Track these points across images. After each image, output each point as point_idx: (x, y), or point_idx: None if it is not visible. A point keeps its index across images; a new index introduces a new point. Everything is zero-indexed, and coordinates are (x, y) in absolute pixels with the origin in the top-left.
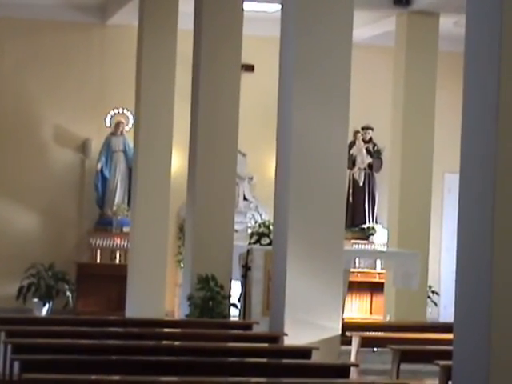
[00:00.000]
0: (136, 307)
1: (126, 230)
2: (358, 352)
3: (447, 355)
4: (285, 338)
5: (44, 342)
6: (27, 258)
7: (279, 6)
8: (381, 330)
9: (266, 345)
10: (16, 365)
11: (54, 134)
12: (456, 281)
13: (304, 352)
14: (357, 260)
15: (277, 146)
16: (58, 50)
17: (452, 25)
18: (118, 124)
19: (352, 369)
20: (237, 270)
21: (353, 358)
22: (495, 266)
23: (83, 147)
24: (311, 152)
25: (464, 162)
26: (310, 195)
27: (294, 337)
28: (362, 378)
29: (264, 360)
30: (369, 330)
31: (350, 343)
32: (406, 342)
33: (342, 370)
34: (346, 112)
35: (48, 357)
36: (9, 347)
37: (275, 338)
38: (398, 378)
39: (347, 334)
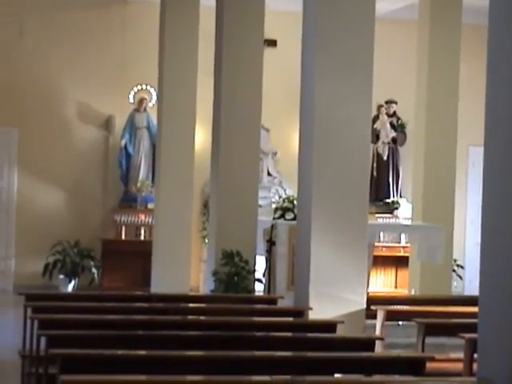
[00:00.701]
0: (161, 283)
1: (150, 206)
2: (383, 326)
3: (472, 328)
4: (310, 312)
5: (70, 318)
6: (53, 236)
7: None
8: (406, 304)
9: (290, 319)
10: (43, 340)
11: (78, 112)
12: (481, 254)
13: (329, 326)
14: (381, 234)
15: (300, 120)
16: (80, 27)
17: None
18: (141, 100)
19: (377, 342)
20: (261, 245)
21: (378, 332)
22: None
23: (107, 124)
24: (334, 126)
25: (488, 135)
26: (333, 169)
27: (319, 311)
28: (388, 352)
29: (289, 334)
30: (394, 304)
31: (374, 317)
32: (431, 316)
33: (367, 344)
34: (369, 86)
35: (74, 332)
36: (35, 323)
37: (300, 312)
38: (423, 351)
39: (372, 307)
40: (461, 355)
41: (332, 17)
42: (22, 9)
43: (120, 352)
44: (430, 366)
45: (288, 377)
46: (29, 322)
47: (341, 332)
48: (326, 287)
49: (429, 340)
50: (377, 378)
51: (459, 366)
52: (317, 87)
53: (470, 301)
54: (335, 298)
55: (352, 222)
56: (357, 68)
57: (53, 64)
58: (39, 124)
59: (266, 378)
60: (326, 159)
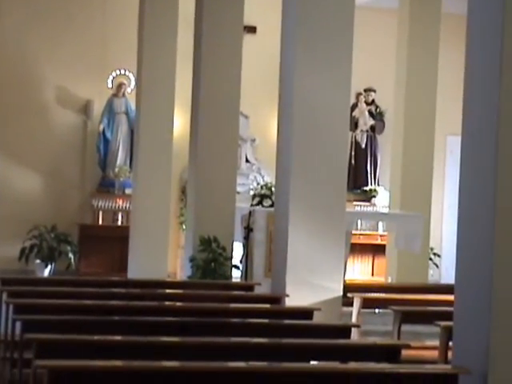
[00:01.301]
0: (138, 268)
1: (128, 191)
2: (359, 313)
3: (448, 316)
4: (286, 299)
5: (46, 303)
6: (29, 220)
7: None
8: (382, 292)
9: (267, 306)
10: (18, 325)
11: (56, 96)
12: (457, 242)
13: (306, 313)
14: (359, 222)
15: (279, 108)
16: (59, 9)
17: None
18: (119, 85)
19: (353, 329)
20: (239, 232)
21: (354, 319)
22: (497, 228)
23: (85, 109)
24: (313, 114)
25: (465, 124)
26: (312, 157)
27: (296, 298)
28: (364, 339)
29: (266, 321)
30: (370, 292)
31: (351, 304)
32: (408, 304)
33: (344, 331)
34: (348, 74)
35: (50, 317)
36: (11, 307)
37: (277, 299)
38: (399, 338)
39: (349, 295)
40: (436, 343)
41: (312, 5)
42: None
43: (96, 337)
44: (405, 353)
45: (264, 363)
46: (4, 306)
47: (317, 319)
48: (303, 274)
49: (405, 328)
50: (352, 365)
51: (434, 353)
52: (296, 74)
53: (447, 289)
54: (312, 285)
55: (330, 210)
56: (336, 55)
57: (31, 47)
58: (16, 108)
59: (242, 364)
60: (305, 147)
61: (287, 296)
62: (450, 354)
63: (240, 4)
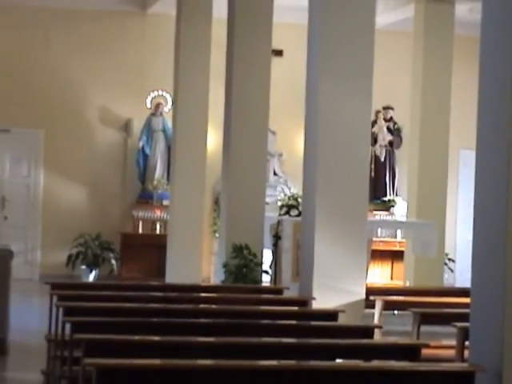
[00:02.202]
0: (175, 274)
1: (165, 202)
2: (380, 315)
3: (463, 317)
4: (313, 301)
5: (92, 306)
6: (76, 229)
7: None
8: (401, 295)
9: (295, 308)
10: (67, 326)
11: (99, 115)
12: (472, 248)
13: (331, 315)
14: (379, 230)
15: (305, 124)
16: (102, 37)
17: (467, 11)
18: (157, 105)
19: (375, 330)
20: (268, 240)
21: (376, 320)
22: (509, 234)
23: (126, 127)
24: (337, 130)
25: (479, 138)
26: (336, 170)
27: (322, 301)
28: (385, 339)
29: (294, 322)
30: (390, 295)
31: (372, 307)
32: (425, 306)
33: (367, 332)
34: (369, 93)
35: (96, 319)
36: (60, 310)
37: (304, 301)
38: (418, 338)
39: (371, 298)
40: (453, 342)
41: (335, 28)
42: (49, 19)
43: (136, 338)
44: (424, 352)
45: (293, 361)
46: (54, 309)
47: (342, 320)
48: (329, 279)
49: (423, 328)
50: (375, 363)
51: (451, 352)
52: (321, 94)
53: (461, 292)
54: (337, 288)
55: (353, 219)
56: (358, 76)
57: (77, 71)
58: (64, 126)
59: (273, 362)
60: (329, 160)
61: (314, 299)
62: (466, 352)
63: (268, 29)
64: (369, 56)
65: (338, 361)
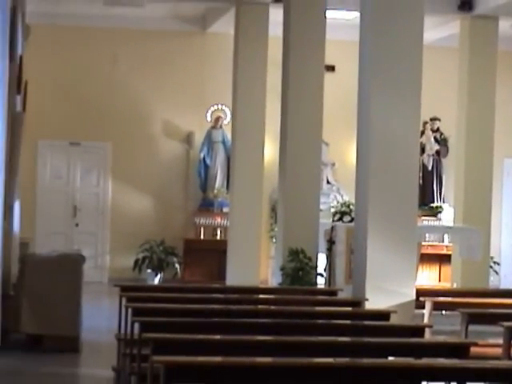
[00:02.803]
0: (235, 276)
1: (225, 210)
2: (430, 315)
3: (509, 317)
4: (366, 302)
5: (159, 307)
6: (142, 235)
7: (357, 14)
8: (449, 296)
9: (349, 309)
10: (136, 326)
11: (163, 128)
12: None
13: (383, 315)
14: (427, 235)
15: (357, 135)
16: (166, 55)
17: (509, 27)
18: (217, 118)
19: (426, 329)
20: (322, 244)
21: (426, 320)
22: None
23: (188, 139)
24: (388, 140)
25: None
26: (387, 178)
27: (374, 302)
28: (435, 338)
29: (348, 322)
30: (439, 296)
31: (422, 307)
32: (472, 306)
33: (418, 331)
34: (417, 106)
35: (162, 319)
36: (129, 310)
37: (357, 302)
38: (466, 337)
39: (421, 299)
40: (499, 341)
41: (385, 45)
42: (116, 40)
43: (199, 336)
44: (472, 350)
45: (347, 359)
46: (124, 309)
47: (393, 320)
48: (380, 281)
49: (470, 327)
50: (425, 360)
51: (498, 350)
52: (372, 107)
53: (506, 293)
54: (388, 290)
55: (403, 224)
56: (407, 89)
57: (142, 87)
58: (130, 139)
59: (329, 360)
60: (381, 169)
61: (367, 300)
62: None
63: (321, 46)
64: (417, 70)
65: (390, 358)
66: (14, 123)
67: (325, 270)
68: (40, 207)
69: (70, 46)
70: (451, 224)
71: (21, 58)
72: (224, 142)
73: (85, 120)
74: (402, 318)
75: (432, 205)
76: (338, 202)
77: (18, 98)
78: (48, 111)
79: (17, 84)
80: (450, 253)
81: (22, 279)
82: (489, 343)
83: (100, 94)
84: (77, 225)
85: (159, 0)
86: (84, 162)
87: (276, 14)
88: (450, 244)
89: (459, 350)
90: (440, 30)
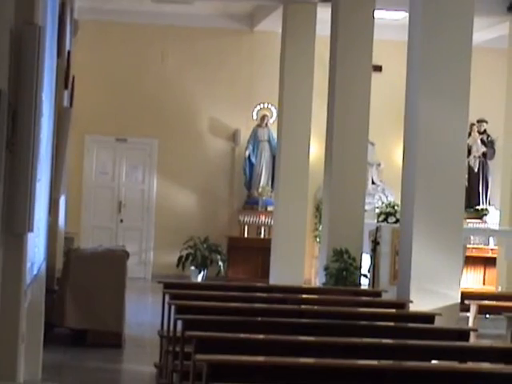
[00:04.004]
0: (278, 275)
1: (270, 208)
2: (475, 318)
3: None
4: (410, 304)
5: (202, 305)
6: (186, 232)
7: (406, 14)
8: (495, 299)
9: (393, 310)
10: (179, 323)
11: (209, 125)
12: None
13: (428, 317)
14: (472, 237)
15: (404, 136)
16: (213, 53)
17: None
18: (263, 117)
19: (471, 333)
20: (367, 245)
21: (471, 324)
22: None
23: (233, 137)
24: (435, 142)
25: None
26: (433, 180)
27: (419, 304)
28: (481, 342)
29: (392, 324)
30: (484, 299)
31: (466, 310)
32: None
33: (463, 334)
34: (465, 107)
35: (205, 317)
36: (172, 308)
37: (402, 304)
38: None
39: (466, 302)
40: None
41: (434, 46)
42: (164, 38)
43: (242, 335)
44: None
45: (391, 361)
46: (167, 306)
47: (438, 323)
48: (426, 283)
49: None
50: (470, 365)
51: None
52: (420, 108)
53: None
54: (433, 292)
55: (449, 226)
56: (455, 91)
57: (189, 84)
58: (176, 136)
59: (373, 362)
60: (427, 170)
61: (411, 302)
62: None
63: (369, 47)
64: (466, 72)
65: (435, 362)
66: (62, 118)
67: (369, 270)
68: (86, 202)
69: (118, 42)
70: (497, 227)
71: (69, 53)
72: (269, 141)
73: (132, 116)
74: (447, 321)
75: (478, 207)
76: (382, 203)
77: (66, 93)
78: (95, 107)
79: (64, 79)
80: (495, 256)
81: (66, 274)
82: None
83: (147, 91)
84: (121, 220)
85: None
86: (130, 158)
87: (324, 13)
88: (496, 247)
89: (505, 355)
90: (489, 32)
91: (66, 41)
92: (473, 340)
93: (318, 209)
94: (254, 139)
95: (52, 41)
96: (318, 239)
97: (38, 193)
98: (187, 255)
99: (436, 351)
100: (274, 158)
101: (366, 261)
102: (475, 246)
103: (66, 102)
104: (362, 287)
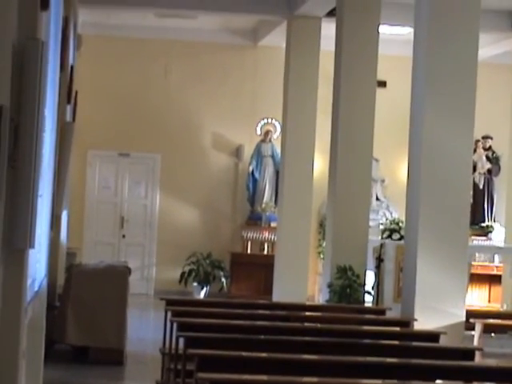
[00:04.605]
0: (281, 292)
1: (273, 224)
2: (480, 337)
3: None
4: (415, 322)
5: (204, 322)
6: (189, 248)
7: (411, 29)
8: (500, 318)
9: (397, 328)
10: (181, 341)
11: (212, 141)
12: None
13: (432, 336)
14: (477, 254)
15: (409, 152)
16: (217, 68)
17: None
18: (267, 132)
19: (476, 352)
20: (371, 262)
21: (476, 343)
22: None
23: (237, 152)
24: (440, 158)
25: None
26: (438, 196)
27: (424, 322)
28: (486, 361)
29: (396, 342)
30: (489, 318)
31: (471, 329)
32: None
33: (468, 353)
34: (471, 124)
35: (208, 335)
36: (175, 325)
37: (406, 322)
38: None
39: (471, 320)
40: None
41: (439, 61)
42: (167, 53)
43: (245, 354)
44: None
45: (395, 381)
46: (169, 323)
47: (443, 342)
48: (430, 300)
49: None
50: None
51: None
52: (425, 123)
53: None
54: (438, 310)
55: (454, 243)
56: (461, 107)
57: (192, 99)
58: (179, 151)
59: (377, 381)
60: (432, 187)
61: (415, 320)
62: None
63: (374, 61)
64: (472, 88)
65: (439, 382)
66: (64, 133)
67: (373, 288)
68: (88, 217)
69: (121, 57)
70: (502, 244)
71: (72, 68)
72: (273, 156)
73: (134, 131)
74: (452, 340)
75: (483, 224)
76: (387, 219)
77: (69, 108)
78: (98, 121)
79: (67, 94)
80: (500, 273)
81: (68, 290)
82: None
83: (150, 106)
84: (124, 236)
85: (211, 12)
86: (133, 173)
87: (328, 29)
88: (501, 264)
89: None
90: (494, 47)
91: (69, 55)
92: (478, 359)
93: (321, 225)
94: (258, 154)
95: (55, 55)
96: (321, 255)
97: (40, 208)
98: (190, 271)
99: (441, 371)
100: (277, 173)
101: (370, 278)
102: (480, 263)
103: (68, 117)
104: (366, 304)
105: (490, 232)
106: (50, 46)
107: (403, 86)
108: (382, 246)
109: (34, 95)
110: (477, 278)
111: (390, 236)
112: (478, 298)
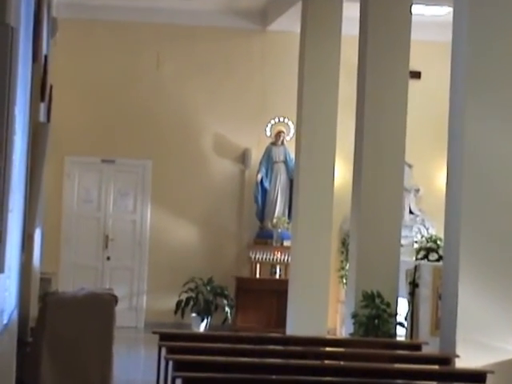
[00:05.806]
0: (297, 324)
1: (286, 243)
2: None
3: None
4: (456, 359)
5: (204, 360)
6: (186, 272)
7: (450, 9)
8: None
9: (436, 367)
10: (178, 382)
11: (214, 144)
12: None
13: (478, 375)
14: None
15: (448, 156)
16: (218, 57)
17: None
18: (278, 133)
19: None
20: (403, 287)
21: None
22: None
23: (243, 157)
24: (485, 164)
25: None
26: (483, 210)
27: (467, 359)
28: None
29: (435, 383)
30: None
31: None
32: None
33: None
34: None
35: (209, 375)
36: (170, 363)
37: (446, 359)
38: None
39: None
40: None
41: (484, 47)
42: (160, 38)
43: None
44: None
45: None
46: (163, 362)
47: (490, 382)
48: (475, 333)
49: None
50: None
51: None
52: (467, 122)
53: None
54: (484, 345)
55: (502, 265)
56: (508, 102)
57: (190, 95)
58: (174, 156)
59: None
60: (476, 198)
61: (457, 356)
62: None
63: (406, 48)
64: None
65: None
66: (37, 136)
67: (406, 318)
68: (66, 236)
69: (104, 44)
70: None
71: (46, 58)
72: (286, 162)
73: (121, 133)
74: (501, 380)
75: None
76: (422, 237)
77: (43, 106)
78: (77, 122)
79: (41, 89)
80: None
81: (42, 323)
82: None
83: (140, 102)
84: (108, 258)
85: None
86: (119, 183)
87: (351, 9)
88: None
89: None
90: None
91: (43, 43)
92: None
93: (344, 243)
94: (268, 160)
95: (26, 44)
96: (344, 280)
97: (10, 226)
98: (187, 300)
99: None
100: (291, 182)
101: (402, 306)
102: None
103: (42, 117)
104: (398, 338)
105: None
106: (20, 32)
107: (441, 78)
108: (416, 268)
109: (2, 92)
110: None
111: (426, 256)
112: None
